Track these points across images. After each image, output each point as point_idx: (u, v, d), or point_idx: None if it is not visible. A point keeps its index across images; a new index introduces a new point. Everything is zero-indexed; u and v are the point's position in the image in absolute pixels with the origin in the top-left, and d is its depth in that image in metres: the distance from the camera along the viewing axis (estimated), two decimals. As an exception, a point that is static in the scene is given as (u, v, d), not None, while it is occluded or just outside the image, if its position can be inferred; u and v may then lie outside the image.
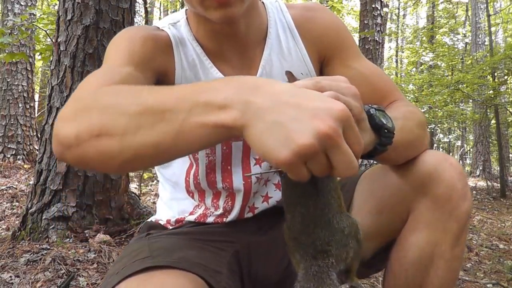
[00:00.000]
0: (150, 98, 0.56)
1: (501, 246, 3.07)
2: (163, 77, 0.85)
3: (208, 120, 0.51)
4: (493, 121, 7.82)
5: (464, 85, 6.90)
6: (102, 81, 0.68)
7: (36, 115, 6.02)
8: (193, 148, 0.55)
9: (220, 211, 0.94)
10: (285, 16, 0.94)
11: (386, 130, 0.68)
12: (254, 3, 0.87)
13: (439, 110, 8.29)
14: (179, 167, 0.94)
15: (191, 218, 0.95)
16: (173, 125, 0.53)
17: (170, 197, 1.00)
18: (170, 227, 0.98)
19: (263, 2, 0.95)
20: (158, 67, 0.83)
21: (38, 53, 4.58)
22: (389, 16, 15.03)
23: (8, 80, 5.38)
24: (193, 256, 0.80)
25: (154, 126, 0.54)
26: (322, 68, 0.95)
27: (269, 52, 0.90)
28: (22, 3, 5.46)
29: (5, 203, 3.38)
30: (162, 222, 0.99)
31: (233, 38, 0.87)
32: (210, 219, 0.95)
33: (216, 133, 0.52)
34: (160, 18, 15.97)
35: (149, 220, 1.04)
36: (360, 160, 0.59)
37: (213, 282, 0.75)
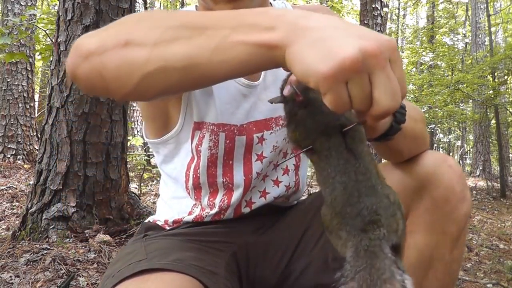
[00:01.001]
0: (191, 15, 0.55)
1: (501, 246, 3.07)
2: None
3: (252, 39, 0.50)
4: (493, 121, 7.82)
5: (464, 85, 6.90)
6: None
7: (36, 115, 6.02)
8: (227, 68, 0.52)
9: (215, 210, 0.94)
10: None
11: (400, 106, 0.69)
12: (263, 2, 0.88)
13: (439, 110, 8.29)
14: (181, 161, 0.94)
15: (189, 218, 0.95)
16: (213, 40, 0.51)
17: (171, 196, 1.00)
18: (168, 228, 0.98)
19: (270, 3, 0.96)
20: None
21: (38, 53, 4.58)
22: (389, 16, 15.03)
23: (8, 80, 5.38)
24: (189, 257, 0.80)
25: (192, 39, 0.51)
26: None
27: None
28: (22, 3, 5.46)
29: (5, 203, 3.38)
30: (160, 223, 0.99)
31: None
32: (207, 219, 0.95)
33: (257, 53, 0.50)
34: (160, 18, 15.96)
35: (146, 221, 1.04)
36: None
37: (209, 283, 0.75)
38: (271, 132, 0.92)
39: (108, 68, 0.55)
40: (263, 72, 0.90)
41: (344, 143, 0.56)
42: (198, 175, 0.92)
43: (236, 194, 0.92)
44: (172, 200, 1.00)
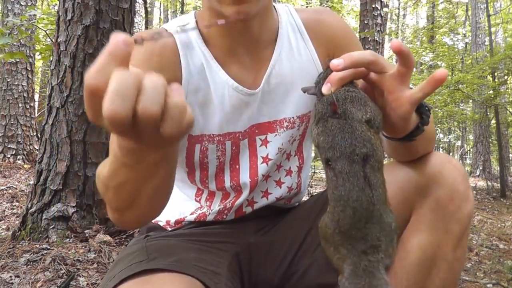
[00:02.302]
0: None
1: (501, 246, 3.07)
2: None
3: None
4: (493, 121, 7.82)
5: (464, 85, 6.89)
6: None
7: (36, 115, 6.01)
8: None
9: (220, 207, 0.94)
10: (295, 19, 0.95)
11: (427, 108, 0.71)
12: (268, 4, 0.87)
13: (439, 110, 8.28)
14: (178, 170, 0.95)
15: (191, 218, 0.95)
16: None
17: (173, 198, 1.00)
18: (169, 229, 0.98)
19: (274, 6, 0.96)
20: (167, 82, 0.82)
21: (38, 53, 4.57)
22: (389, 16, 15.03)
23: (8, 80, 5.37)
24: (191, 258, 0.80)
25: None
26: None
27: (279, 52, 0.91)
28: (22, 3, 5.45)
29: (5, 203, 3.38)
30: (161, 223, 0.99)
31: (246, 37, 0.87)
32: (210, 217, 0.95)
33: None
34: (160, 18, 15.97)
35: None
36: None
37: (211, 284, 0.75)
38: (276, 135, 0.92)
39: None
40: (264, 78, 0.89)
41: (363, 172, 0.59)
42: (207, 184, 0.93)
43: (243, 196, 0.93)
44: (175, 203, 1.00)
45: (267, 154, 0.92)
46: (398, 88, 0.65)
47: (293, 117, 0.92)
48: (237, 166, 0.92)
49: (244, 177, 0.92)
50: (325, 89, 0.63)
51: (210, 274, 0.78)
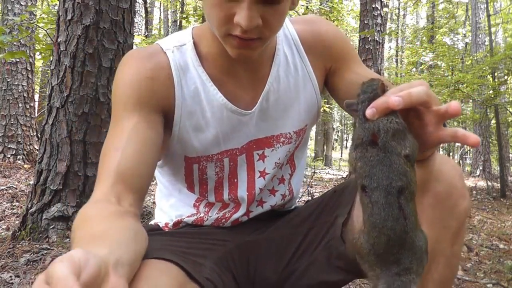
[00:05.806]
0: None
1: (501, 246, 3.07)
2: (166, 111, 0.84)
3: None
4: (493, 121, 7.82)
5: (464, 85, 6.90)
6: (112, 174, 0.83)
7: (36, 115, 6.01)
8: None
9: (218, 215, 0.95)
10: (290, 32, 0.93)
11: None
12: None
13: (439, 110, 8.25)
14: (178, 185, 0.95)
15: (189, 220, 0.96)
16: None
17: (169, 204, 1.00)
18: (167, 230, 0.99)
19: None
20: (159, 104, 0.82)
21: (38, 53, 4.57)
22: (389, 16, 15.04)
23: (8, 80, 5.37)
24: (173, 249, 0.78)
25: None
26: (328, 78, 0.96)
27: (277, 69, 0.90)
28: (22, 3, 5.45)
29: (5, 203, 3.38)
30: (161, 225, 1.00)
31: (246, 61, 0.87)
32: (207, 223, 0.96)
33: None
34: (160, 18, 15.96)
35: (149, 223, 1.05)
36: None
37: (193, 271, 0.72)
38: (272, 150, 0.93)
39: None
40: (261, 96, 0.89)
41: (398, 203, 0.62)
42: (206, 197, 0.94)
43: (241, 211, 0.94)
44: (173, 206, 1.00)
45: (264, 169, 0.93)
46: (434, 124, 0.67)
47: (289, 133, 0.93)
48: (236, 180, 0.93)
49: (242, 191, 0.93)
50: (370, 114, 0.63)
51: (191, 263, 0.75)
